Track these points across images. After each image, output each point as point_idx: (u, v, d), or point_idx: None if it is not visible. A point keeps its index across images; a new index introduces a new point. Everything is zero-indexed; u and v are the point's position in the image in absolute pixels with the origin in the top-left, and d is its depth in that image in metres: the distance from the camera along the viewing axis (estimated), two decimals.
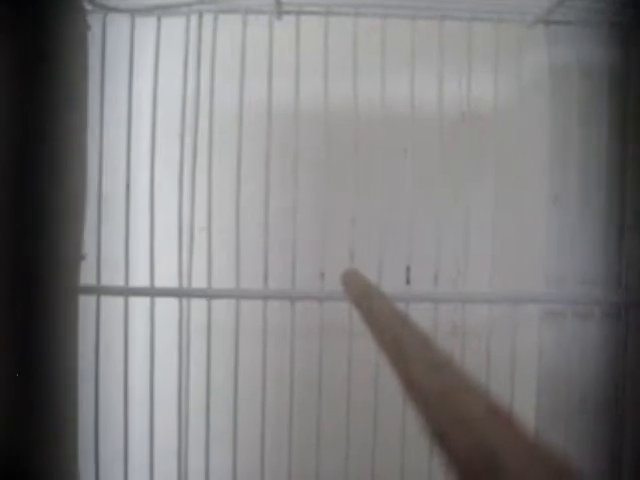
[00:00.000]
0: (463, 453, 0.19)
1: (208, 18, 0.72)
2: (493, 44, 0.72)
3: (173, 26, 0.72)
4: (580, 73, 0.72)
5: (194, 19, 0.72)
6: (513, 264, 0.72)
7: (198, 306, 0.72)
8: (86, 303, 0.69)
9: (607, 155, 0.71)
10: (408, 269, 0.73)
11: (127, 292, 0.72)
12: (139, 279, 0.73)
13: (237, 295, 0.73)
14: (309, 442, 0.73)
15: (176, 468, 0.73)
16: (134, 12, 0.71)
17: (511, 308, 0.73)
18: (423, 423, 0.23)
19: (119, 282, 0.71)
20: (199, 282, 0.72)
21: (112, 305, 0.71)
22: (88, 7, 0.70)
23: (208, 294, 0.72)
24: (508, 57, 0.72)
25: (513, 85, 0.75)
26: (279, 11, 0.72)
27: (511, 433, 0.19)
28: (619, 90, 0.72)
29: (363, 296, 0.50)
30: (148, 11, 0.72)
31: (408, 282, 0.73)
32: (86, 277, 0.70)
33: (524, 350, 0.73)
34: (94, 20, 0.70)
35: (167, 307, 0.72)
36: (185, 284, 0.72)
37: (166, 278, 0.72)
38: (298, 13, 0.73)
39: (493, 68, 0.73)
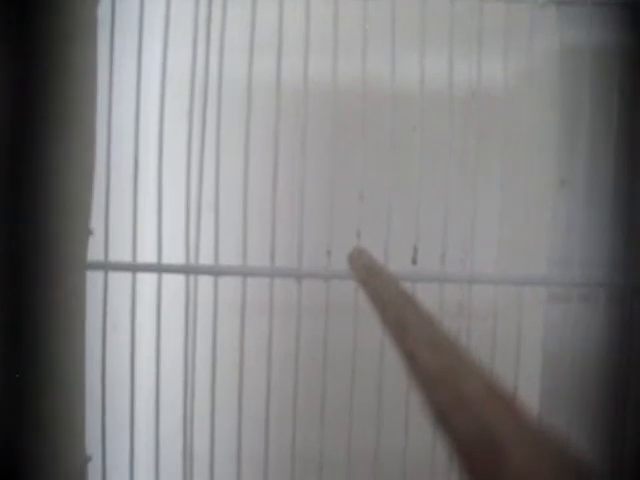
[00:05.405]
0: (464, 435, 0.19)
1: None
2: (504, 24, 0.71)
3: (182, 3, 0.71)
4: (591, 55, 0.72)
5: None
6: (519, 245, 0.72)
7: (205, 283, 0.72)
8: (93, 279, 0.70)
9: (616, 138, 0.71)
10: (415, 249, 0.73)
11: (134, 268, 0.72)
12: (146, 255, 0.73)
13: (244, 272, 0.73)
14: (313, 420, 0.73)
15: (181, 444, 0.73)
16: None
17: (517, 290, 0.73)
18: (425, 403, 0.23)
19: (126, 258, 0.72)
20: (206, 259, 0.72)
21: (119, 281, 0.71)
22: None
23: (215, 271, 0.72)
24: (519, 37, 0.72)
25: (523, 66, 0.74)
26: None
27: (513, 415, 0.19)
28: (631, 72, 0.72)
29: (369, 275, 0.50)
30: None
31: (415, 262, 0.73)
32: (93, 253, 0.70)
33: (529, 332, 0.74)
34: None
35: (174, 283, 0.72)
36: (192, 260, 0.72)
37: (173, 254, 0.72)
38: None
39: (503, 48, 0.72)
